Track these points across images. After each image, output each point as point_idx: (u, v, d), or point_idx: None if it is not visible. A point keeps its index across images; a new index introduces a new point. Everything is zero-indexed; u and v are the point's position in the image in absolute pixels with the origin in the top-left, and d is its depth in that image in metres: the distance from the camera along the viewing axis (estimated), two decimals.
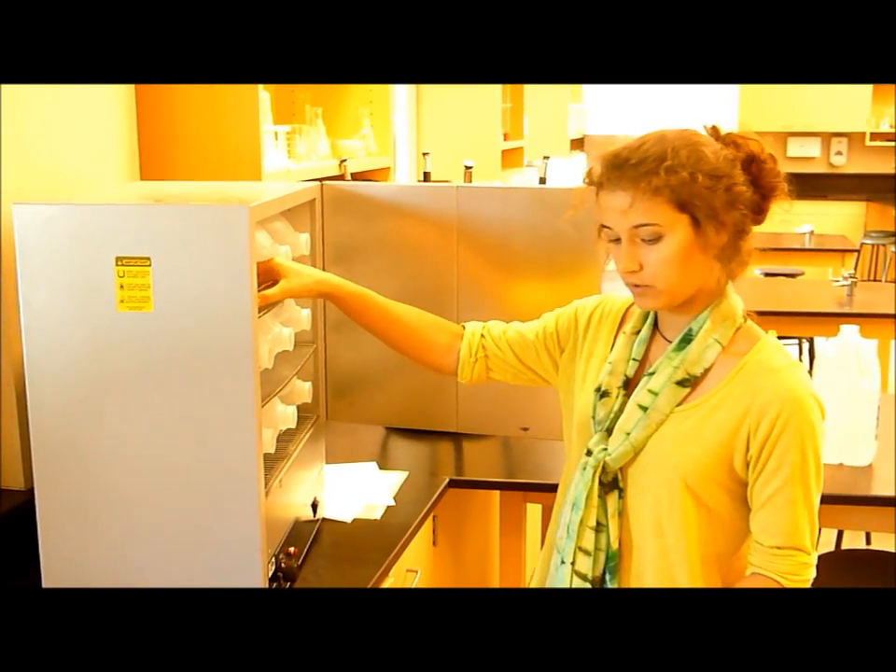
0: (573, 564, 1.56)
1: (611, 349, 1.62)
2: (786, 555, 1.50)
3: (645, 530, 1.55)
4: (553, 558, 1.63)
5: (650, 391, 1.52)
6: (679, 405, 1.51)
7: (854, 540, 3.49)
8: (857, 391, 2.30)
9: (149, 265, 1.44)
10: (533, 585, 1.74)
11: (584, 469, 1.56)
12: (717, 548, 1.55)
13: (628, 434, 1.52)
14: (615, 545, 1.55)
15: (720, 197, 1.44)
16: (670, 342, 1.55)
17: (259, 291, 1.52)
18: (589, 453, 1.56)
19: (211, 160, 2.22)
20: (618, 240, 1.47)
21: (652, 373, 1.54)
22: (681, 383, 1.51)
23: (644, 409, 1.52)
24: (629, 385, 1.57)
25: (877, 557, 2.64)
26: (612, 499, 1.55)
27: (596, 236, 1.55)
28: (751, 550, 1.53)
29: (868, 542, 3.67)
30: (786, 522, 1.49)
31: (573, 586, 1.57)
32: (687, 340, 1.52)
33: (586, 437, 1.58)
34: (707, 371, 1.51)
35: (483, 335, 1.73)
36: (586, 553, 1.56)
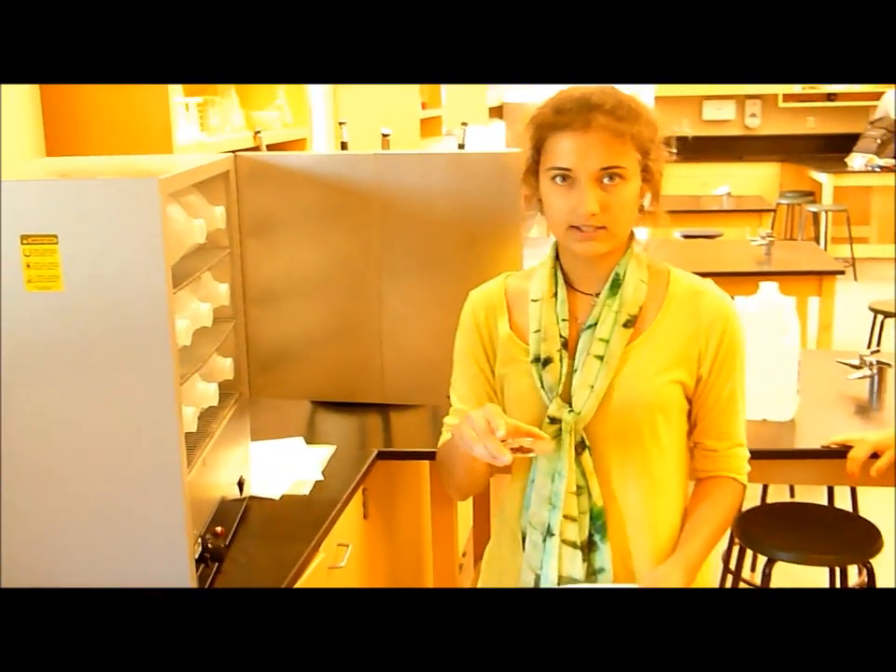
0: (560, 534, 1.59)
1: (509, 326, 1.64)
2: (734, 454, 1.67)
3: (623, 478, 1.59)
4: (530, 536, 1.62)
5: (601, 339, 1.57)
6: (627, 345, 1.58)
7: (778, 494, 3.55)
8: (778, 347, 2.33)
9: (56, 243, 1.39)
10: (499, 582, 1.71)
11: (558, 435, 1.57)
12: (679, 473, 1.66)
13: (592, 387, 1.56)
14: (599, 503, 1.59)
15: (659, 147, 1.57)
16: (590, 294, 1.61)
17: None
18: (555, 420, 1.56)
19: (119, 134, 2.15)
20: (568, 184, 1.51)
21: (594, 324, 1.58)
22: (626, 324, 1.58)
23: (600, 358, 1.56)
24: (567, 346, 1.59)
25: (802, 509, 2.69)
26: (586, 458, 1.58)
27: (521, 197, 1.58)
28: (699, 458, 1.67)
29: (792, 495, 3.75)
30: (730, 422, 1.65)
31: (564, 556, 1.59)
32: (617, 284, 1.59)
33: (529, 410, 1.59)
34: (640, 308, 1.59)
35: None
36: (572, 519, 1.58)
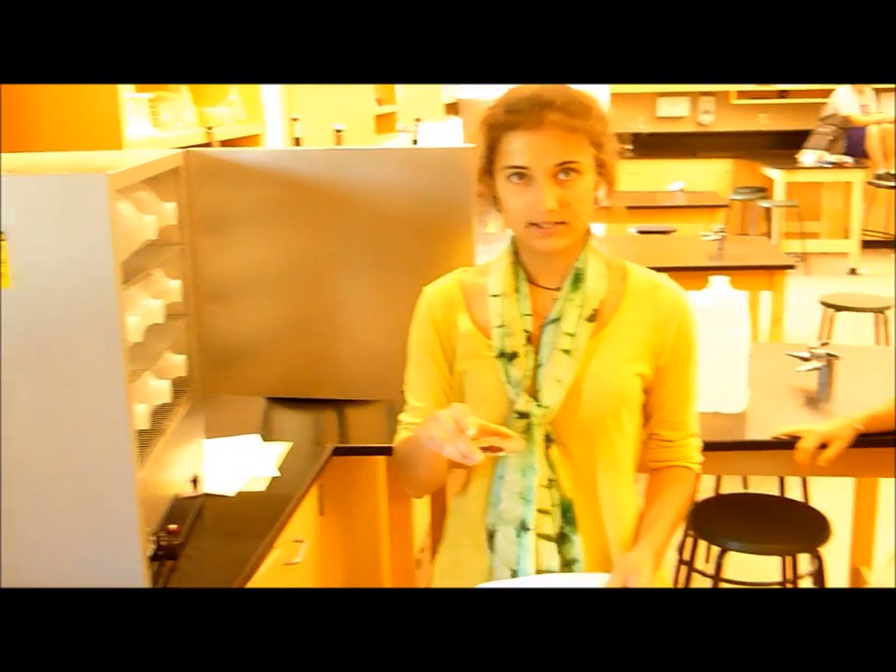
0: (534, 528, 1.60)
1: (470, 321, 1.65)
2: (689, 444, 1.72)
3: (590, 470, 1.62)
4: (502, 533, 1.62)
5: (567, 334, 1.59)
6: (590, 339, 1.60)
7: (731, 485, 3.60)
8: (728, 340, 2.36)
9: (3, 240, 1.38)
10: (459, 585, 1.70)
11: (526, 430, 1.58)
12: (635, 463, 1.70)
13: (559, 381, 1.58)
14: (569, 495, 1.61)
15: (612, 141, 1.59)
16: (551, 288, 1.63)
17: None
18: (523, 415, 1.58)
19: (69, 130, 2.14)
20: (524, 182, 1.52)
21: (557, 319, 1.60)
22: (590, 318, 1.60)
23: (567, 352, 1.58)
24: (531, 341, 1.60)
25: (753, 500, 2.73)
26: (554, 451, 1.60)
27: (475, 193, 1.61)
28: (655, 448, 1.71)
29: (745, 486, 3.80)
30: (685, 413, 1.70)
31: (540, 550, 1.60)
32: (579, 279, 1.61)
33: (495, 406, 1.60)
34: (601, 302, 1.62)
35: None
36: (545, 512, 1.60)
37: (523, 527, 1.60)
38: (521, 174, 1.53)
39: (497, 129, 1.55)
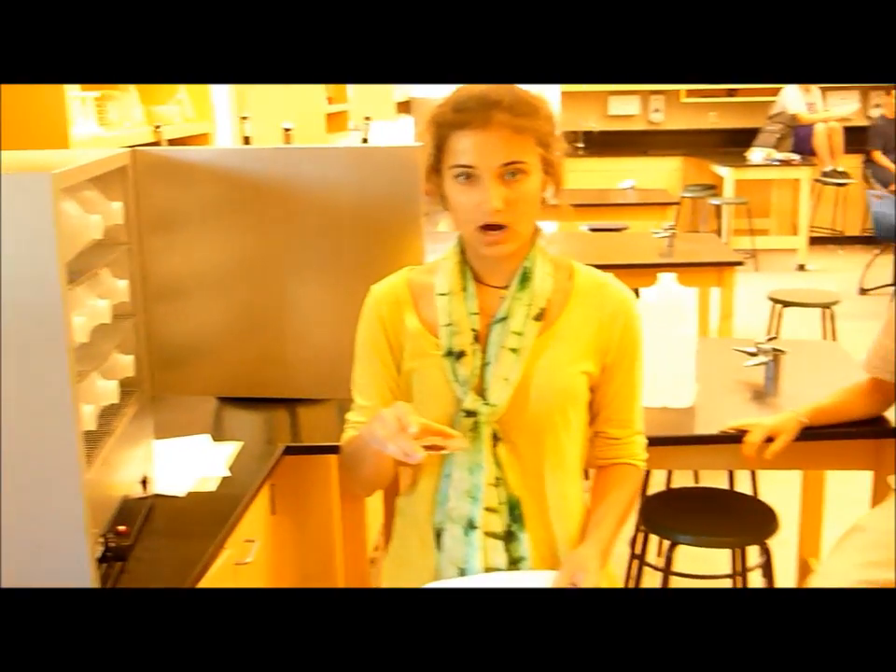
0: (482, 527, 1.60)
1: (418, 320, 1.65)
2: (634, 441, 1.73)
3: (537, 468, 1.62)
4: (449, 531, 1.63)
5: (514, 333, 1.60)
6: (537, 338, 1.61)
7: (683, 479, 3.64)
8: (676, 336, 2.38)
9: None
10: (408, 584, 1.70)
11: (473, 429, 1.59)
12: (582, 461, 1.72)
13: (507, 379, 1.59)
14: (516, 493, 1.61)
15: (559, 140, 1.59)
16: (498, 287, 1.64)
17: None
18: (471, 413, 1.58)
19: (13, 128, 2.11)
20: (471, 181, 1.53)
21: (504, 318, 1.60)
22: (537, 317, 1.61)
23: (515, 351, 1.59)
24: (479, 339, 1.61)
25: (702, 494, 2.77)
26: (501, 450, 1.61)
27: (423, 192, 1.61)
28: (601, 446, 1.72)
29: (696, 480, 3.84)
30: (631, 411, 1.71)
31: (488, 548, 1.60)
32: (527, 278, 1.62)
33: (442, 404, 1.60)
34: (548, 301, 1.63)
35: None
36: (492, 511, 1.60)
37: (470, 526, 1.61)
38: (467, 173, 1.53)
39: (444, 127, 1.55)
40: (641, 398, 1.73)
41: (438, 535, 1.65)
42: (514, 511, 1.61)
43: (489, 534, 1.61)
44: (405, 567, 1.71)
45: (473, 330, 1.62)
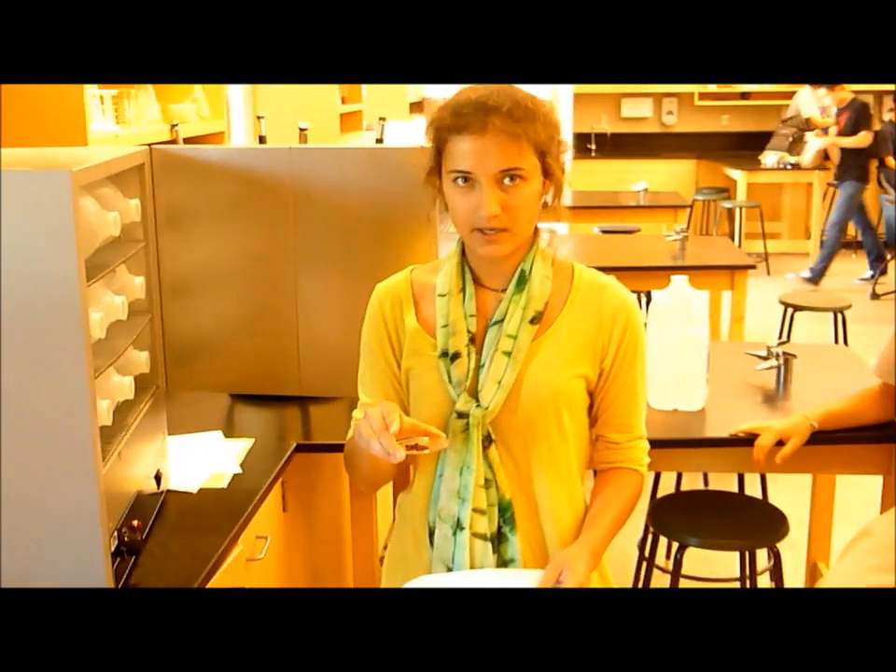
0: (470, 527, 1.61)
1: (416, 319, 1.66)
2: (635, 446, 1.71)
3: (529, 471, 1.62)
4: (439, 530, 1.64)
5: (509, 336, 1.59)
6: (533, 341, 1.60)
7: (692, 482, 3.64)
8: (688, 339, 2.39)
9: None
10: (405, 581, 1.69)
11: (465, 430, 1.59)
12: (581, 464, 1.70)
13: (499, 382, 1.58)
14: (507, 495, 1.61)
15: (557, 147, 1.57)
16: (496, 290, 1.63)
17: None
18: (462, 415, 1.59)
19: (33, 125, 2.13)
20: (469, 185, 1.52)
21: (501, 320, 1.60)
22: (533, 320, 1.60)
23: (508, 354, 1.59)
24: (475, 341, 1.61)
25: (712, 496, 2.77)
26: (493, 452, 1.61)
27: (433, 192, 1.60)
28: (601, 450, 1.71)
29: (706, 483, 3.84)
30: (632, 415, 1.69)
31: (475, 549, 1.61)
32: (524, 280, 1.61)
33: (436, 405, 1.61)
34: (546, 303, 1.62)
35: None
36: (481, 512, 1.61)
37: (458, 526, 1.61)
38: (465, 178, 1.53)
39: (443, 132, 1.55)
40: (643, 402, 1.72)
41: (430, 533, 1.66)
42: (506, 512, 1.61)
43: (476, 535, 1.61)
44: (402, 563, 1.73)
45: (469, 332, 1.61)
